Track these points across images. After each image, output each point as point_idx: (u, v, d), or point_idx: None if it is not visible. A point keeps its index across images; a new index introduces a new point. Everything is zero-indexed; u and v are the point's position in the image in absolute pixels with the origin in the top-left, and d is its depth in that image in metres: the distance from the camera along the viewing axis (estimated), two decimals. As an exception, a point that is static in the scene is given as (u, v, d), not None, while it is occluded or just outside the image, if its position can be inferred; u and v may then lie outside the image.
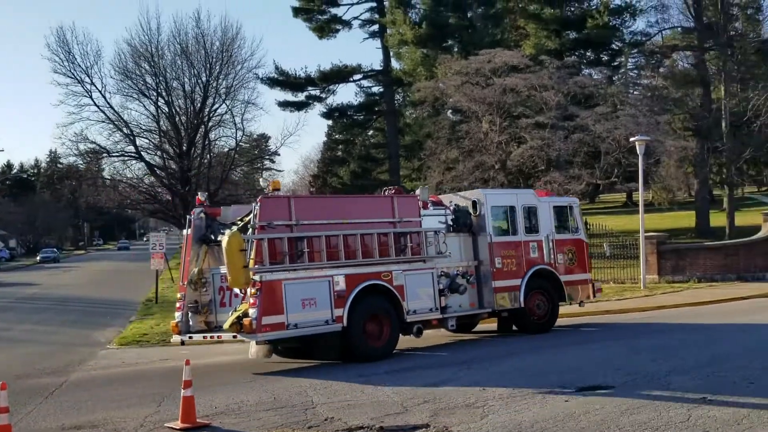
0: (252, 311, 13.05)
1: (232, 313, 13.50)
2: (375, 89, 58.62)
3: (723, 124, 48.83)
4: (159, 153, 61.54)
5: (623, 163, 34.36)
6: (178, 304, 14.94)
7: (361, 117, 59.37)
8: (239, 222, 14.65)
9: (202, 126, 59.91)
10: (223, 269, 14.00)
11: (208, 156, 62.27)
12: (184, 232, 15.52)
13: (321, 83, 54.95)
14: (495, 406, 9.44)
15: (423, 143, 45.21)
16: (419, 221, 15.67)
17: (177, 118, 60.06)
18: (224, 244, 13.46)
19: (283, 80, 54.53)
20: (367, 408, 9.75)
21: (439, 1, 47.05)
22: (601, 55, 53.50)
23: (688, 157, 46.14)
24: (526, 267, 17.35)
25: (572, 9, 52.85)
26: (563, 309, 18.57)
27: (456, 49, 45.43)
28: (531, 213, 17.96)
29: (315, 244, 13.96)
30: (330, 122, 73.23)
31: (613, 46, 53.14)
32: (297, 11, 55.54)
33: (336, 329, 13.87)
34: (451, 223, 16.77)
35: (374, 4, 55.41)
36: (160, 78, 58.09)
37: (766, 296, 24.33)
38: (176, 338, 14.78)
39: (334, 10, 55.62)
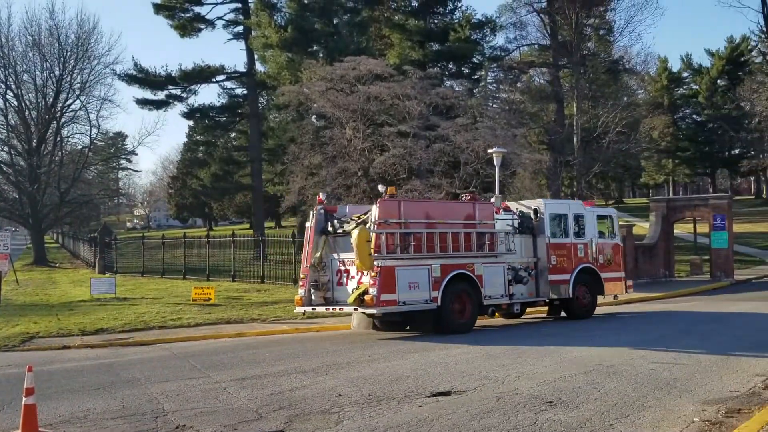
0: (372, 290, 16.52)
1: (353, 291, 17.06)
2: (238, 91, 57.79)
3: (575, 139, 51.14)
4: (6, 149, 58.56)
5: (481, 173, 35.21)
6: (301, 282, 18.49)
7: (224, 119, 58.27)
8: (355, 218, 18.05)
9: (54, 122, 57.44)
10: (337, 256, 18.24)
11: (60, 153, 59.80)
12: (307, 225, 19.10)
13: (182, 82, 53.54)
14: (350, 411, 9.45)
15: (286, 147, 44.82)
16: (493, 224, 19.31)
17: (27, 113, 57.30)
18: (354, 236, 16.74)
19: (142, 78, 52.82)
20: (221, 415, 9.54)
21: (305, 6, 46.89)
22: (463, 68, 54.84)
23: (542, 169, 47.98)
24: (574, 264, 21.23)
25: (435, 21, 53.94)
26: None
27: (321, 55, 45.38)
28: (579, 220, 21.82)
29: (418, 239, 17.52)
30: (191, 123, 71.82)
31: (474, 59, 54.58)
32: (158, 8, 53.92)
33: (432, 307, 17.41)
34: (517, 226, 20.43)
35: (239, 5, 54.60)
36: (10, 70, 55.32)
37: (610, 304, 25.58)
38: (299, 309, 18.46)
39: (197, 9, 54.34)
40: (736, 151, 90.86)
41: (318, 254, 18.23)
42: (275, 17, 48.67)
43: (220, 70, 54.48)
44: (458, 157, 34.96)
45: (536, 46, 59.54)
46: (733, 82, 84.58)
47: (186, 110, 56.09)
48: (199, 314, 22.20)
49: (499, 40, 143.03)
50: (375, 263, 16.60)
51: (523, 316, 21.73)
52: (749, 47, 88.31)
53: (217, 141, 62.05)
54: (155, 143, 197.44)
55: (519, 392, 10.31)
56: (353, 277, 17.73)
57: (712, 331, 17.81)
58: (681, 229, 50.10)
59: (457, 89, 48.58)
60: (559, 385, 10.80)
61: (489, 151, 29.55)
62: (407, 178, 36.20)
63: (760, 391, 10.25)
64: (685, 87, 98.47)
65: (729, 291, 27.99)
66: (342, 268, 18.18)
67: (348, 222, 18.21)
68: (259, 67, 54.78)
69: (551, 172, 50.24)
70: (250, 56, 54.25)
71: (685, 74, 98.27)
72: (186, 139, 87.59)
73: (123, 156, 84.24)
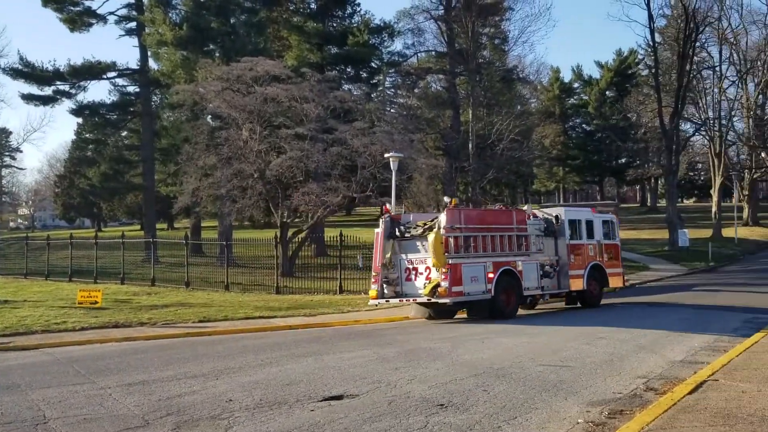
0: (444, 283, 19.93)
1: (426, 285, 20.49)
2: (131, 89, 56.11)
3: (470, 146, 51.97)
4: None
5: (378, 177, 35.35)
6: (373, 279, 21.56)
7: (115, 116, 56.53)
8: (421, 224, 21.31)
9: (-68, 116, 54.75)
10: (405, 256, 21.48)
11: (-62, 149, 57.10)
12: (376, 230, 22.04)
13: (71, 78, 51.72)
14: (241, 417, 9.27)
15: (180, 147, 43.97)
16: (526, 228, 22.96)
17: None
18: (431, 239, 20.14)
19: (28, 72, 50.77)
20: (105, 422, 9.20)
21: (201, 4, 46.04)
22: (361, 72, 55.10)
23: (438, 174, 48.56)
24: (587, 262, 24.99)
25: (334, 25, 53.98)
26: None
27: (218, 54, 44.71)
28: (590, 224, 25.55)
29: (475, 241, 21.07)
30: (80, 120, 69.52)
31: (372, 64, 54.93)
32: (46, 0, 51.97)
33: (487, 297, 20.91)
34: (543, 230, 23.92)
35: (132, 1, 53.24)
36: None
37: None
38: (373, 302, 21.79)
39: (87, 3, 52.54)
40: (623, 160, 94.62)
41: (388, 255, 21.46)
42: (170, 14, 47.66)
43: (112, 66, 52.94)
44: (355, 160, 35.01)
45: (433, 52, 60.22)
46: (621, 94, 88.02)
47: (75, 107, 54.25)
48: (85, 318, 21.42)
49: (397, 45, 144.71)
50: (447, 261, 19.87)
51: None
52: (636, 60, 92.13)
53: (108, 139, 60.12)
54: (41, 140, 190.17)
55: (411, 395, 10.34)
56: (421, 273, 21.13)
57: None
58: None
59: (355, 93, 48.78)
60: (450, 387, 10.90)
61: (386, 155, 29.70)
62: (304, 180, 36.04)
63: (641, 393, 10.61)
64: (575, 97, 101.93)
65: (614, 295, 28.94)
66: (410, 266, 21.47)
67: (414, 228, 21.47)
68: (152, 64, 53.55)
69: (447, 177, 50.92)
70: (143, 53, 52.93)
71: (576, 85, 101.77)
72: (74, 137, 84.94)
73: (6, 153, 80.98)
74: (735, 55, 71.13)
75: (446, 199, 22.57)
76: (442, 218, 20.49)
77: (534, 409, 9.52)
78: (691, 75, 59.75)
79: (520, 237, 22.55)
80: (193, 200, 38.91)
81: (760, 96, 74.51)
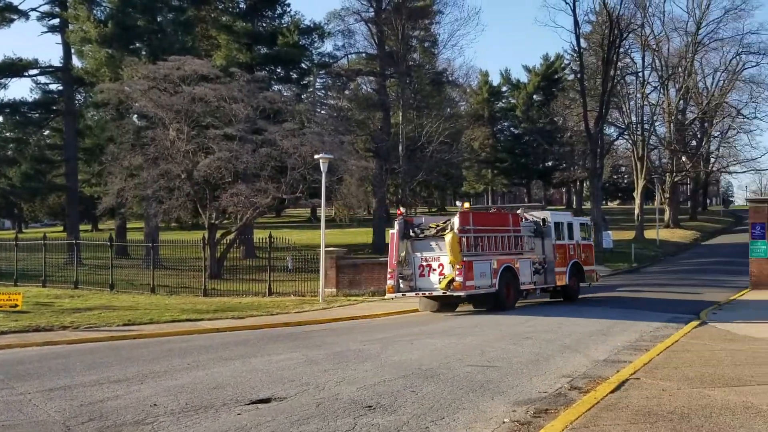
0: (458, 278, 22.12)
1: (441, 280, 22.63)
2: (53, 87, 54.76)
3: (400, 148, 52.24)
4: None
5: (308, 179, 35.24)
6: (389, 275, 23.46)
7: (37, 115, 55.03)
8: (434, 226, 23.48)
9: None
10: (420, 254, 23.43)
11: None
12: (390, 231, 24.61)
13: (-10, 76, 50.22)
14: (165, 422, 9.10)
15: (105, 147, 43.07)
16: (521, 229, 25.45)
17: None
18: (448, 239, 22.28)
19: (-55, 69, 49.10)
20: (25, 428, 8.96)
21: (127, 0, 45.15)
22: (291, 73, 54.82)
23: (368, 176, 48.58)
24: (568, 260, 27.64)
25: (264, 25, 53.59)
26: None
27: (144, 53, 43.93)
28: (570, 226, 28.33)
29: (482, 241, 23.41)
30: (0, 119, 67.45)
31: (303, 65, 54.72)
32: (-36, -5, 50.21)
33: (492, 291, 23.29)
34: (533, 231, 26.38)
35: (55, -4, 51.88)
36: None
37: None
38: (390, 295, 23.60)
39: (8, -3, 51.10)
40: (550, 163, 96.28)
41: (402, 254, 23.41)
42: (94, 11, 46.59)
43: (33, 63, 51.50)
44: (285, 161, 34.80)
45: (364, 54, 60.35)
46: (548, 98, 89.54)
47: (-6, 105, 52.58)
48: (5, 321, 20.76)
49: (328, 46, 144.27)
50: (462, 258, 22.05)
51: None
52: (563, 65, 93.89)
53: (29, 138, 58.38)
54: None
55: (339, 397, 10.31)
56: (434, 270, 23.14)
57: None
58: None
59: (285, 94, 48.49)
60: (378, 389, 10.90)
61: (316, 156, 29.62)
62: (233, 181, 35.70)
63: (566, 392, 10.79)
64: (504, 101, 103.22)
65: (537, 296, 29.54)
66: (424, 263, 23.37)
67: (428, 229, 23.54)
68: (76, 62, 52.24)
69: (377, 179, 51.04)
70: (66, 50, 51.62)
71: (504, 89, 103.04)
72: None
73: None
74: (657, 61, 73.20)
75: (458, 203, 25.02)
76: (456, 220, 22.79)
77: (461, 409, 9.59)
78: (615, 80, 61.26)
79: (516, 237, 25.06)
80: (118, 201, 38.11)
81: (681, 101, 76.86)
